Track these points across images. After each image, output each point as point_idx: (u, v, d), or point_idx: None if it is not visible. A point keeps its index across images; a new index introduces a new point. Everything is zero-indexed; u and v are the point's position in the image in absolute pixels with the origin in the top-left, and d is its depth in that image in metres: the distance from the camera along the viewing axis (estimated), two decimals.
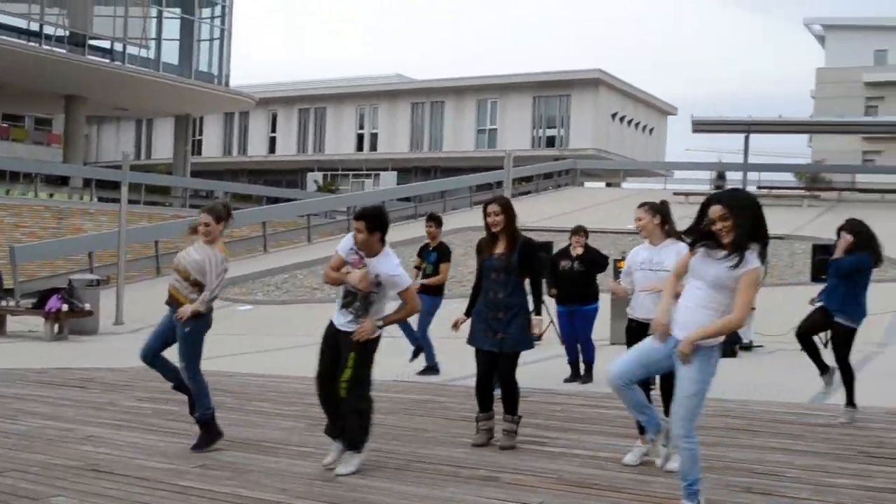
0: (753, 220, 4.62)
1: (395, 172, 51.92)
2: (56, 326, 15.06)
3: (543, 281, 7.69)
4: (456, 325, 6.88)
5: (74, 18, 32.54)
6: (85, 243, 21.46)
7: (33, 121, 54.36)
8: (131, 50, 34.19)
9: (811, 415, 8.04)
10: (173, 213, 28.83)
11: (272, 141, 58.37)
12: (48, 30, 31.68)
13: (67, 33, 32.42)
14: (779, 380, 10.49)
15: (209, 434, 6.54)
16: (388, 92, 54.33)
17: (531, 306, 6.74)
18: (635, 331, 6.24)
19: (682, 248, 6.31)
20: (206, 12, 38.24)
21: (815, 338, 8.19)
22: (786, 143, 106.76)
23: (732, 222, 4.56)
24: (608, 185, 45.40)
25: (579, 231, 10.07)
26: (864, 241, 7.70)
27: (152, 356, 6.69)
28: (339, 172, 55.52)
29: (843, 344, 7.73)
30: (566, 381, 9.99)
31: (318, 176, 54.55)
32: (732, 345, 12.09)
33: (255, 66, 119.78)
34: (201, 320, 6.52)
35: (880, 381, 9.85)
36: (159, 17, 35.74)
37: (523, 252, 6.61)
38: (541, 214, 30.57)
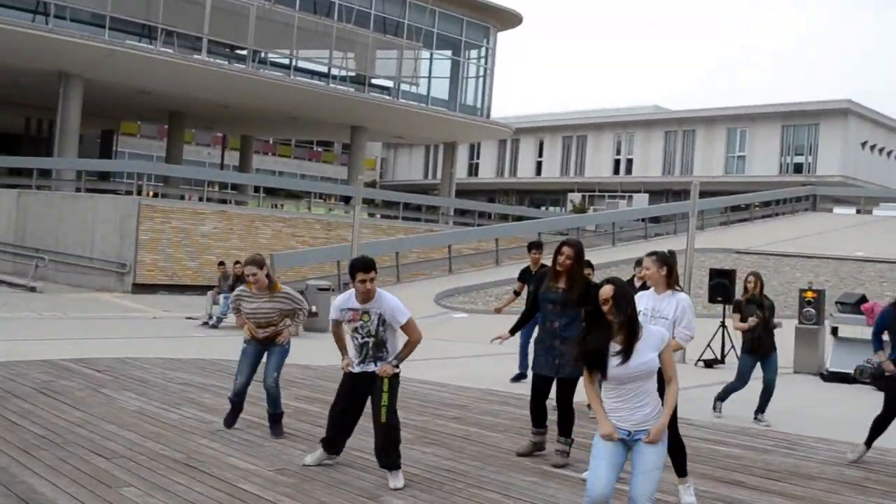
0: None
1: (647, 195, 50.97)
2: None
3: None
4: (498, 339, 7.10)
5: (359, 62, 34.98)
6: (329, 253, 22.98)
7: (341, 146, 58.84)
8: (405, 87, 36.17)
9: None
10: (426, 227, 30.11)
11: (539, 165, 59.51)
12: (335, 71, 34.29)
13: (353, 74, 34.93)
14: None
15: (280, 425, 7.24)
16: (644, 121, 53.72)
17: None
18: None
19: (681, 298, 6.06)
20: (473, 54, 39.61)
21: None
22: None
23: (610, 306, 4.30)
24: (858, 211, 41.76)
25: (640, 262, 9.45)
26: None
27: (246, 386, 7.32)
28: (597, 193, 55.41)
29: None
30: None
31: (577, 196, 54.92)
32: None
33: (525, 97, 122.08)
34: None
35: None
36: (430, 58, 37.46)
37: (583, 290, 6.45)
38: (766, 239, 28.90)
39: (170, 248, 23.03)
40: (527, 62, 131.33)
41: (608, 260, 23.53)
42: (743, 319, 8.71)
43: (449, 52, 38.64)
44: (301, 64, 33.75)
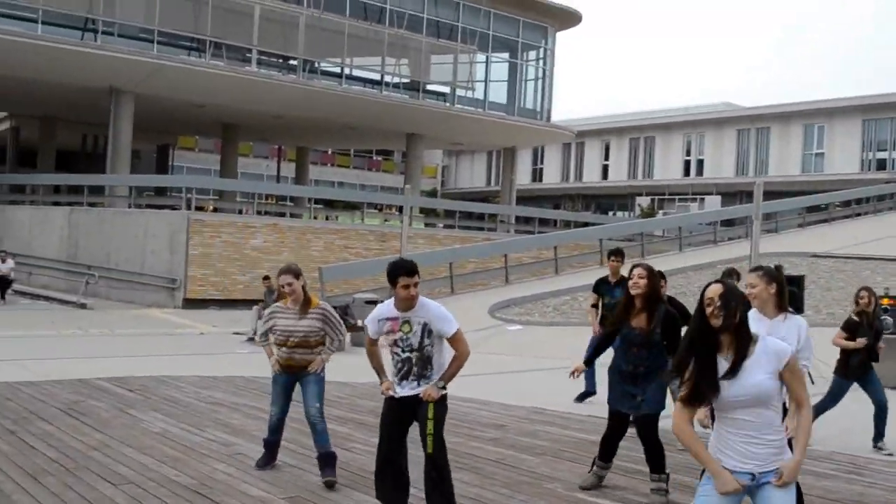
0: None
1: (719, 197, 49.87)
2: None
3: None
4: (574, 373, 6.55)
5: (413, 68, 34.97)
6: (377, 265, 22.79)
7: (401, 154, 59.05)
8: (461, 92, 36.01)
9: None
10: (484, 237, 29.83)
11: (605, 168, 58.82)
12: (389, 78, 34.31)
13: (407, 80, 34.92)
14: None
15: (333, 465, 6.46)
16: (714, 120, 52.63)
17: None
18: None
19: (801, 323, 5.43)
20: (531, 55, 39.28)
21: None
22: None
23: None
24: None
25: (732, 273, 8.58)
26: None
27: (282, 420, 6.75)
28: (666, 197, 54.42)
29: None
30: None
31: (646, 200, 54.13)
32: None
33: (589, 99, 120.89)
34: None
35: None
36: (486, 62, 37.24)
37: (665, 326, 6.06)
38: (845, 241, 27.89)
39: (220, 263, 23.25)
40: (588, 62, 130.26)
41: (674, 266, 22.92)
42: (851, 339, 8.12)
43: (506, 55, 38.39)
44: (353, 72, 33.88)
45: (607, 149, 58.55)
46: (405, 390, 5.25)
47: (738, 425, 3.53)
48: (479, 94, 36.78)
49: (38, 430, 7.75)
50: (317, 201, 36.17)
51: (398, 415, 5.31)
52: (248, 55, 29.96)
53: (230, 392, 10.49)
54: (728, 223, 35.27)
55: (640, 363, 6.09)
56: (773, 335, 4.87)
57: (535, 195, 60.72)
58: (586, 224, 35.06)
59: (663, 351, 6.02)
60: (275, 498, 5.93)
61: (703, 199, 51.97)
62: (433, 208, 40.42)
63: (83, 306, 21.28)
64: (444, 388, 5.21)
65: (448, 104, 35.73)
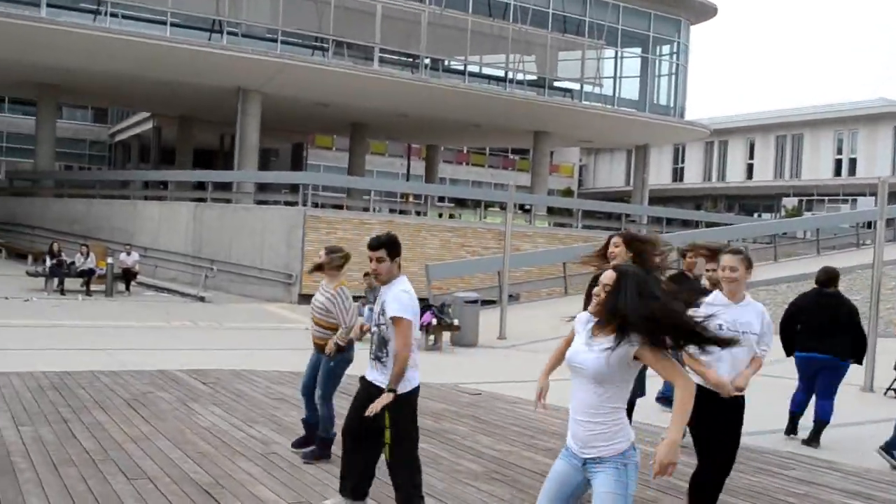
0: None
1: (872, 198, 46.82)
2: (432, 338, 15.96)
3: None
4: None
5: (539, 64, 34.42)
6: (485, 264, 22.52)
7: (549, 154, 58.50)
8: (589, 88, 35.18)
9: None
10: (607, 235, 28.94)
11: (749, 167, 56.39)
12: (515, 75, 33.88)
13: (533, 77, 34.40)
14: None
15: (322, 450, 6.77)
16: (867, 116, 49.38)
17: None
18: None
19: (761, 308, 5.18)
20: (665, 49, 37.96)
21: None
22: None
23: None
24: None
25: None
26: None
27: (307, 391, 7.09)
28: (815, 197, 51.73)
29: None
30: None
31: (793, 201, 51.64)
32: None
33: (731, 95, 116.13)
34: (342, 356, 6.79)
35: None
36: (616, 57, 36.23)
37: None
38: None
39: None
40: (729, 56, 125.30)
41: (801, 271, 21.39)
42: None
43: (637, 50, 37.25)
44: (477, 69, 33.66)
45: (752, 147, 56.08)
46: (374, 375, 5.08)
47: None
48: (608, 91, 35.84)
49: (91, 420, 7.87)
50: (449, 200, 36.32)
51: (367, 395, 5.03)
52: (370, 54, 30.22)
53: (299, 388, 10.41)
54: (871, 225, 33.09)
55: None
56: (738, 320, 4.93)
57: (675, 195, 58.94)
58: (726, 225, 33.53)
59: None
60: (282, 501, 5.72)
61: (855, 200, 49.04)
62: (567, 208, 39.61)
63: (202, 299, 21.94)
64: (392, 390, 4.83)
65: (575, 101, 34.97)
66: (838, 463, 7.72)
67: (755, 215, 53.82)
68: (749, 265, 5.10)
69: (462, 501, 5.95)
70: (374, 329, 5.11)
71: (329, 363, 6.74)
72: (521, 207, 33.46)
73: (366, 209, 27.46)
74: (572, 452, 3.56)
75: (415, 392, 4.99)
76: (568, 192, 58.73)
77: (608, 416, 3.49)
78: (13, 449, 6.68)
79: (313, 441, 6.93)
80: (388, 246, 4.99)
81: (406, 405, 4.94)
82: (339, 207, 26.62)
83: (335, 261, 6.81)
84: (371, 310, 17.22)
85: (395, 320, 4.88)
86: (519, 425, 8.83)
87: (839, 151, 51.46)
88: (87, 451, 6.76)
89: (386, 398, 4.81)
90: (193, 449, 7.01)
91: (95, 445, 6.95)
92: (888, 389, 11.79)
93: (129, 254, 22.47)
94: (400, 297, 4.93)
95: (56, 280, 21.42)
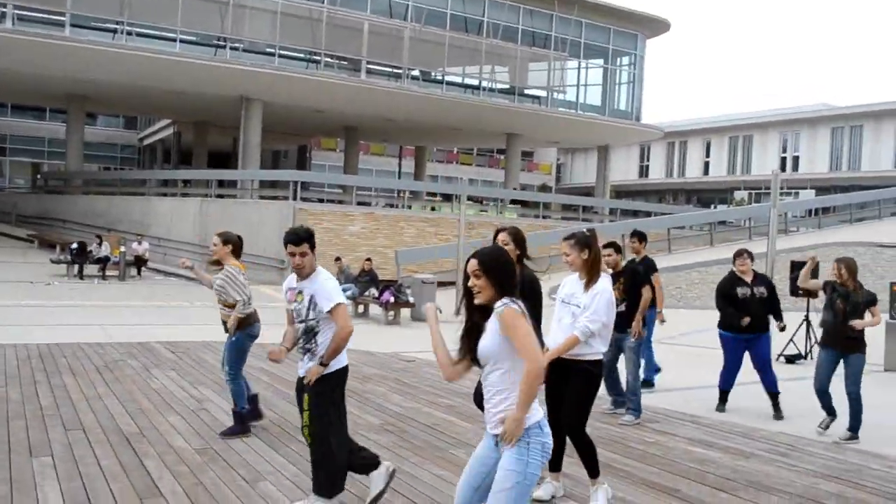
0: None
1: (812, 191, 47.07)
2: (392, 314, 16.12)
3: None
4: None
5: (510, 74, 34.54)
6: (445, 250, 22.65)
7: (520, 153, 58.51)
8: (556, 95, 35.29)
9: None
10: (589, 225, 29.18)
11: (706, 165, 56.65)
12: (489, 84, 34.01)
13: (506, 86, 34.53)
14: None
15: (237, 425, 6.47)
16: (809, 119, 49.69)
17: None
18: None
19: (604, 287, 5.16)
20: (625, 60, 38.04)
21: None
22: None
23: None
24: None
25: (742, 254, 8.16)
26: None
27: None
28: (763, 191, 51.87)
29: None
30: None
31: (743, 194, 51.83)
32: None
33: (693, 101, 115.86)
34: (245, 332, 6.47)
35: None
36: (579, 67, 36.31)
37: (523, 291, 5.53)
38: None
39: (321, 247, 23.62)
40: (683, 66, 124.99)
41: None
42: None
43: (599, 61, 37.31)
44: (455, 79, 33.81)
45: (708, 147, 56.41)
46: (301, 367, 4.72)
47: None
48: (572, 97, 35.96)
49: (58, 383, 8.13)
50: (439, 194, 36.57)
51: (299, 394, 4.77)
52: (359, 66, 30.39)
53: (257, 356, 10.66)
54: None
55: None
56: (575, 294, 5.05)
57: (641, 190, 59.28)
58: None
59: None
60: (189, 447, 5.98)
61: (797, 193, 49.20)
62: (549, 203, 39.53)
63: None
64: (325, 364, 4.54)
65: (543, 106, 35.11)
66: (702, 417, 7.81)
67: (711, 206, 54.00)
68: (582, 248, 5.07)
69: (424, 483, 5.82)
70: (298, 325, 4.70)
71: (231, 338, 6.42)
72: (484, 201, 33.78)
73: (360, 203, 27.78)
74: (487, 431, 3.32)
75: (341, 372, 4.67)
76: (545, 188, 58.81)
77: (510, 393, 3.20)
78: None
79: (258, 411, 6.74)
80: (309, 239, 4.63)
81: (327, 383, 4.60)
82: (340, 202, 26.91)
83: (225, 249, 6.60)
84: (359, 287, 17.30)
85: (333, 310, 4.59)
86: (434, 387, 9.02)
87: (784, 150, 51.82)
88: (42, 407, 7.03)
89: (318, 370, 4.55)
90: (135, 406, 7.27)
91: (50, 402, 7.22)
92: (779, 356, 12.07)
93: (140, 243, 22.77)
94: (328, 288, 4.63)
95: (76, 266, 21.72)
